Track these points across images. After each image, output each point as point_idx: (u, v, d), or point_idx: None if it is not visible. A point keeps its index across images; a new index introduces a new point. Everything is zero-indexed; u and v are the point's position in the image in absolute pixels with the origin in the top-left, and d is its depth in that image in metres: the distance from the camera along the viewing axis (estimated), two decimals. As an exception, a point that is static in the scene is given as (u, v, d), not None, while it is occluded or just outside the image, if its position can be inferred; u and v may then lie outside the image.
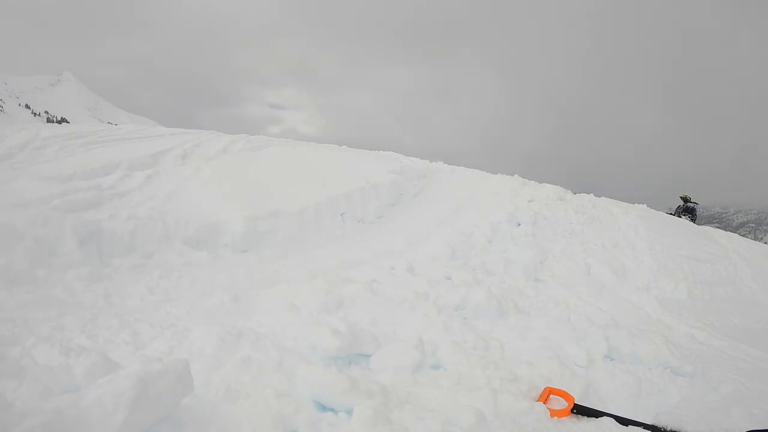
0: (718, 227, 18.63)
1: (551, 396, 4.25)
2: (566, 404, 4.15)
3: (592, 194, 15.87)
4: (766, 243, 16.02)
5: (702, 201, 26.17)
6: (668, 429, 3.88)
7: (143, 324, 4.74)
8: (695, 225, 17.60)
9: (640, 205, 16.82)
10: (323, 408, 3.22)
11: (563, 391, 4.30)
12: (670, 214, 22.06)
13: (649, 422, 4.00)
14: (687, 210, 24.40)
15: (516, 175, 15.54)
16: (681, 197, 25.29)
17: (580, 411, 4.10)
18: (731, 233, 15.39)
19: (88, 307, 5.12)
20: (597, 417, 4.07)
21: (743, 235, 19.25)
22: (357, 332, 4.32)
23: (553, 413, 3.99)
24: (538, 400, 4.11)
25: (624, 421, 4.01)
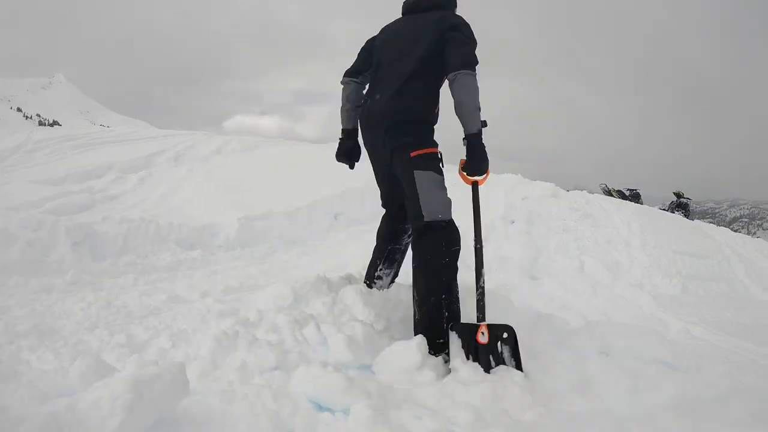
0: (711, 222, 18.73)
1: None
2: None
3: (585, 191, 15.93)
4: (759, 237, 16.10)
5: (694, 196, 26.41)
6: None
7: (138, 327, 4.74)
8: (688, 220, 17.70)
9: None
10: (320, 408, 3.21)
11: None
12: (663, 209, 22.22)
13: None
14: (680, 206, 24.66)
15: (509, 174, 15.59)
16: (674, 193, 25.54)
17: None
18: (724, 228, 15.48)
19: (81, 310, 5.10)
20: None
21: (737, 230, 19.36)
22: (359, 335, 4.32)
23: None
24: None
25: None
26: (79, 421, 2.23)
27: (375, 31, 4.84)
